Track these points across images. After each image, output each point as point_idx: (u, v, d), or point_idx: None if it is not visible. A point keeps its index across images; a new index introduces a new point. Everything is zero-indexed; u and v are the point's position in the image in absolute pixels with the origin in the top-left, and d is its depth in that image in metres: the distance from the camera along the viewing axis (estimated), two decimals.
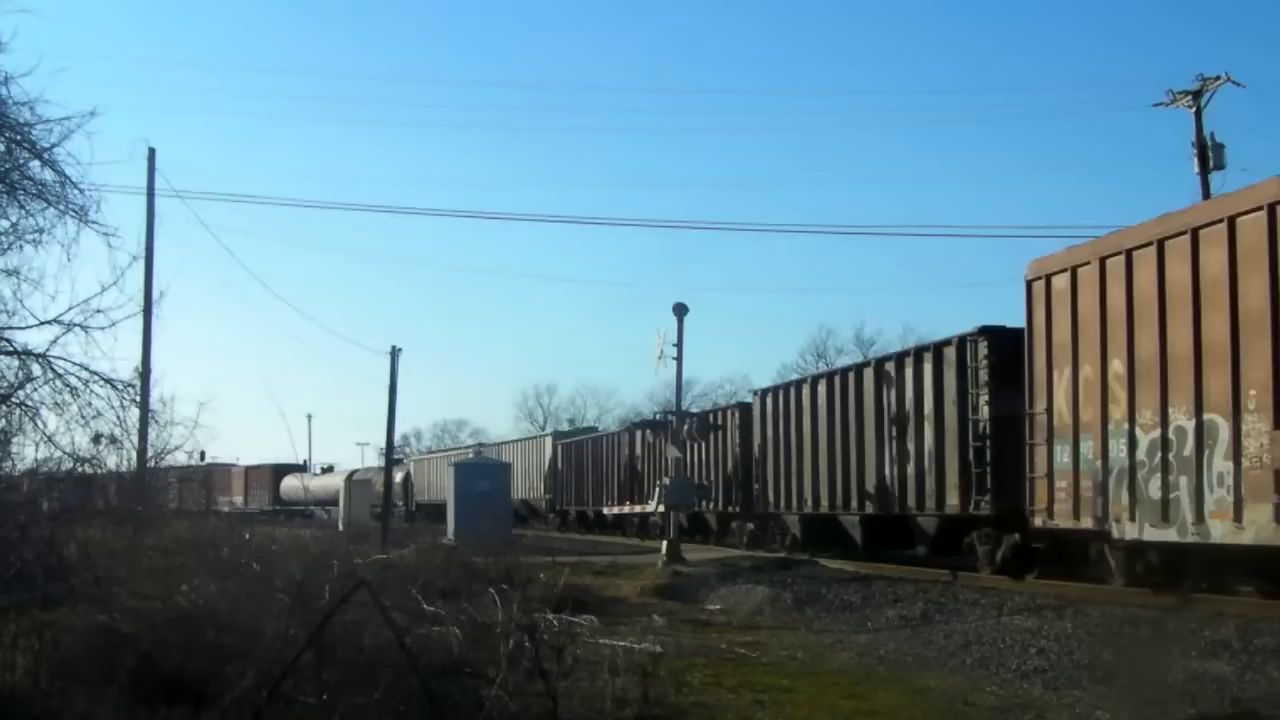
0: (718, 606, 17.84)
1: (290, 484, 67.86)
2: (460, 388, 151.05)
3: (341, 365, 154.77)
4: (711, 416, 33.83)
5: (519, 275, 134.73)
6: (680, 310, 27.28)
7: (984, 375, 19.75)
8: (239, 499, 72.29)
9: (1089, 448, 16.90)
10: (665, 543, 25.81)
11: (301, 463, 73.35)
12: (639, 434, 39.18)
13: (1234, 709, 9.36)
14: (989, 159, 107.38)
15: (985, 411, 19.67)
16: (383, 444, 46.20)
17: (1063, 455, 17.42)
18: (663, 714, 8.81)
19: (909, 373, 22.32)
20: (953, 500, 20.66)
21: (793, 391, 27.89)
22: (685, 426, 29.44)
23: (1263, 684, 10.09)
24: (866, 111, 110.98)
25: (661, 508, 28.04)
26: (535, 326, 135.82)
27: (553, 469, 49.84)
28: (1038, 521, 17.87)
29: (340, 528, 39.45)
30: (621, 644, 11.05)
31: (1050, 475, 17.62)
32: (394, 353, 34.93)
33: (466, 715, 7.72)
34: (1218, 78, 30.31)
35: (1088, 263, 17.04)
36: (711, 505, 32.95)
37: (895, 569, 21.35)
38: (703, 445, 32.78)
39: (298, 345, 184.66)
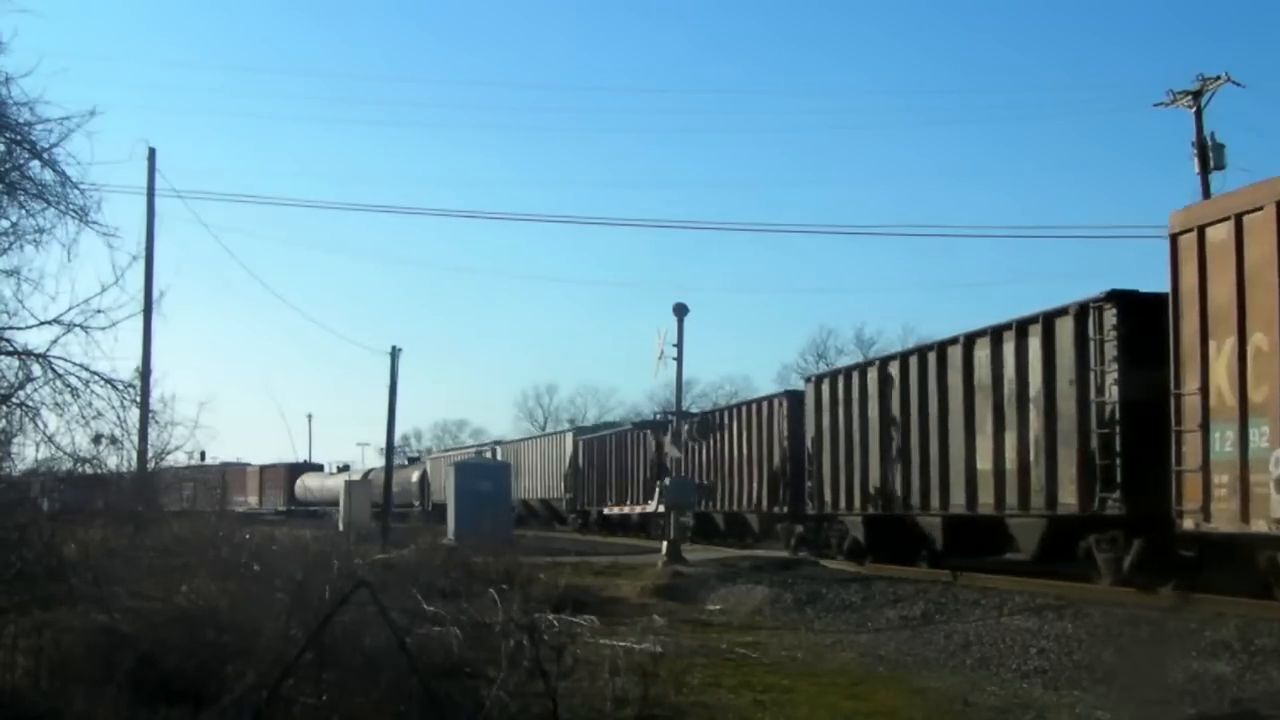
0: (718, 607, 17.84)
1: (305, 484, 67.16)
2: (460, 388, 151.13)
3: (342, 365, 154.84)
4: (752, 408, 31.55)
5: (519, 275, 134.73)
6: (680, 310, 27.24)
7: (1111, 350, 16.58)
8: (253, 499, 71.54)
9: (1261, 435, 13.88)
10: (665, 543, 25.80)
11: (317, 462, 72.97)
12: (668, 429, 37.26)
13: (1234, 709, 9.37)
14: (989, 159, 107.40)
15: (1113, 393, 16.51)
16: (383, 444, 46.08)
17: (1223, 444, 14.42)
18: (663, 714, 8.81)
19: (1008, 349, 18.94)
20: (1068, 498, 17.36)
21: (855, 376, 24.60)
22: (686, 427, 29.40)
23: (1263, 684, 10.09)
24: (866, 111, 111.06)
25: (662, 508, 28.02)
26: (535, 326, 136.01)
27: (574, 467, 47.20)
28: (1188, 524, 14.88)
29: (340, 528, 39.53)
30: (621, 644, 11.05)
31: (1205, 468, 14.62)
32: (394, 352, 34.96)
33: (466, 715, 7.73)
34: (1218, 78, 30.31)
35: (1258, 208, 14.09)
36: (752, 504, 30.50)
37: (897, 569, 21.32)
38: (744, 438, 30.95)
39: (298, 345, 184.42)
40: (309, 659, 7.43)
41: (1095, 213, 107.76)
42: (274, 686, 7.12)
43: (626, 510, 40.41)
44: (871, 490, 23.39)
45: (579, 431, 49.75)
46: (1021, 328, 18.65)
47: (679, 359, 27.28)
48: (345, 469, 70.60)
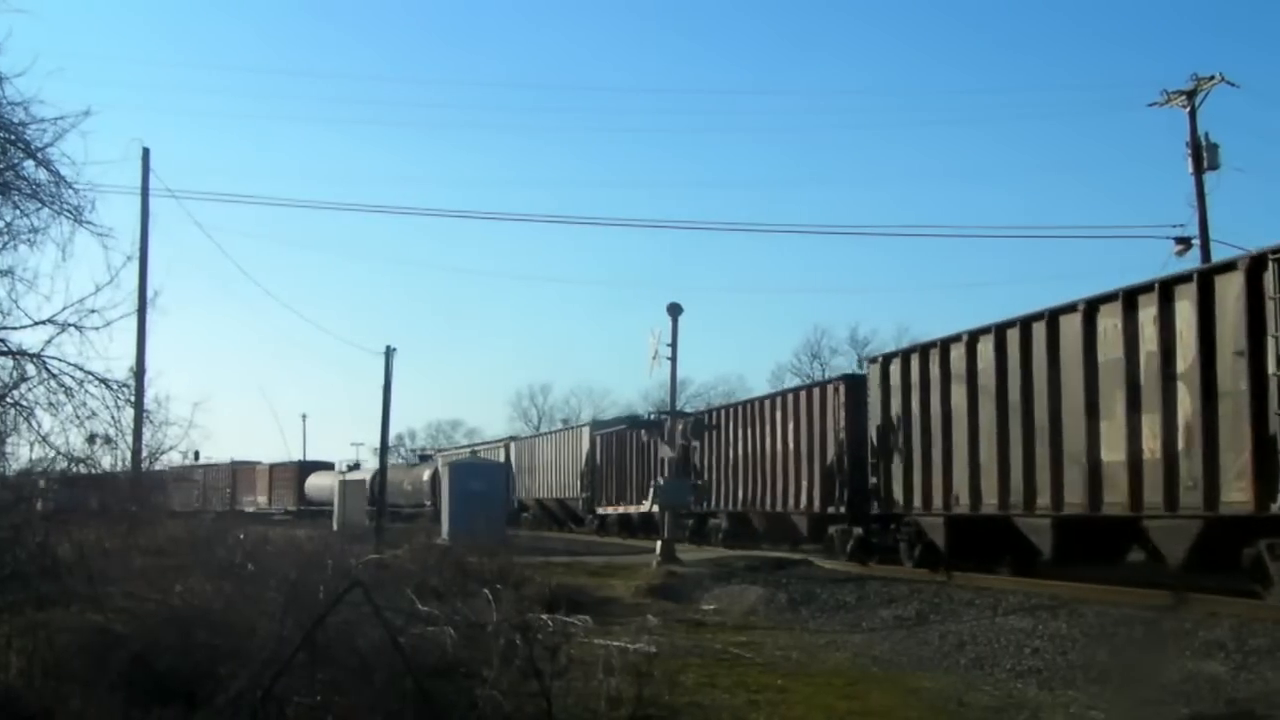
0: (712, 607, 17.83)
1: (315, 483, 64.52)
2: (455, 387, 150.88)
3: (336, 365, 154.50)
4: (800, 396, 27.72)
5: (514, 275, 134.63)
6: (675, 310, 27.24)
7: None
8: (263, 499, 69.86)
9: None
10: (659, 543, 25.80)
11: (327, 461, 71.95)
12: (690, 423, 33.22)
13: (1229, 709, 9.38)
14: (986, 159, 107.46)
15: None
16: (378, 443, 45.90)
17: None
18: (657, 714, 8.80)
19: (1146, 315, 15.82)
20: (1235, 495, 14.22)
21: (935, 355, 20.99)
22: (680, 427, 29.39)
23: (1257, 684, 10.11)
24: (862, 111, 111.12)
25: (655, 508, 28.02)
26: (530, 326, 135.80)
27: (590, 465, 43.49)
28: None
29: (335, 527, 39.53)
30: (616, 644, 11.04)
31: None
32: (389, 352, 34.96)
33: (460, 715, 7.72)
34: (1212, 78, 30.32)
35: None
36: (800, 504, 26.89)
37: (889, 569, 21.31)
38: (789, 431, 27.43)
39: (292, 344, 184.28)
40: (303, 659, 7.42)
41: (1091, 213, 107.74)
42: (268, 686, 7.11)
43: (646, 509, 36.53)
44: (956, 487, 20.02)
45: (596, 426, 46.00)
46: (1165, 289, 15.58)
47: (673, 359, 27.28)
48: (355, 467, 69.33)
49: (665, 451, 29.99)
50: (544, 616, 12.16)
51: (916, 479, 21.29)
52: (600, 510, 42.37)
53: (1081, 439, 16.82)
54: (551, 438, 51.48)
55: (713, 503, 31.93)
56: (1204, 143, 29.91)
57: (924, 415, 21.15)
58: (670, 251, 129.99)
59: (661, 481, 28.15)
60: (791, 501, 27.27)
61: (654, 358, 27.76)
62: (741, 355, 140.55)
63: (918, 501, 21.27)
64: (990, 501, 19.02)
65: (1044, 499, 17.69)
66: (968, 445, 19.65)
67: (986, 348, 19.26)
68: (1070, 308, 17.28)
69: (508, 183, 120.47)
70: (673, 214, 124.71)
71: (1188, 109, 30.33)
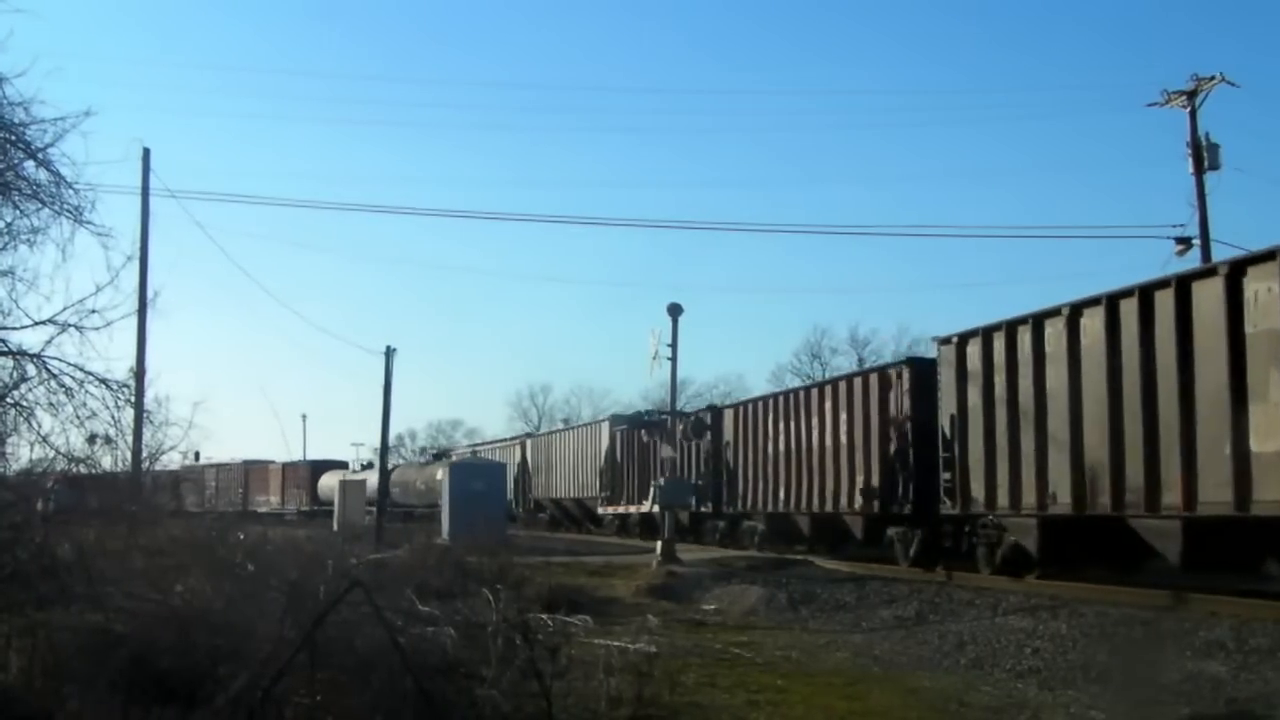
0: (712, 606, 17.83)
1: (329, 483, 61.40)
2: (455, 387, 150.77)
3: (336, 365, 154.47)
4: (854, 383, 24.76)
5: (513, 275, 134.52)
6: (675, 310, 27.26)
7: None
8: (275, 499, 67.86)
9: None
10: (660, 543, 25.79)
11: (341, 459, 71.07)
12: (725, 415, 31.59)
13: (1229, 709, 9.38)
14: (986, 159, 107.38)
15: None
16: (378, 443, 45.73)
17: None
18: (657, 714, 8.81)
19: None
20: None
21: (1026, 333, 18.18)
22: (680, 427, 29.40)
23: (1258, 684, 10.11)
24: (861, 111, 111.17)
25: (656, 508, 28.01)
26: (530, 326, 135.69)
27: (610, 462, 40.58)
28: None
29: (335, 528, 39.53)
30: (616, 644, 11.04)
31: None
32: (389, 352, 35.02)
33: (461, 715, 7.72)
34: (1212, 78, 30.31)
35: None
36: (853, 504, 24.04)
37: (890, 569, 21.28)
38: (841, 422, 24.60)
39: (292, 344, 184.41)
40: (302, 659, 7.42)
41: (1091, 213, 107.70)
42: (268, 687, 7.11)
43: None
44: (1053, 483, 17.42)
45: (615, 420, 42.92)
46: None
47: (673, 359, 27.29)
48: (369, 466, 68.17)
49: (666, 451, 29.99)
50: (544, 616, 12.18)
51: (1002, 475, 18.60)
52: (620, 509, 39.41)
53: (1223, 426, 14.29)
54: (569, 434, 48.70)
55: (748, 503, 29.27)
56: (1204, 143, 29.91)
57: (1011, 401, 18.41)
58: (670, 251, 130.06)
59: (662, 481, 28.14)
60: (844, 501, 24.43)
61: (654, 358, 27.80)
62: (742, 355, 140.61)
63: (1003, 500, 18.56)
64: (1100, 500, 16.45)
65: (1171, 497, 15.19)
66: (1069, 435, 17.08)
67: (1094, 322, 16.71)
68: (1207, 271, 15.59)
69: (505, 183, 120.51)
70: (673, 214, 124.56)
71: (1188, 109, 30.32)
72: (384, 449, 39.83)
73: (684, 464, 32.70)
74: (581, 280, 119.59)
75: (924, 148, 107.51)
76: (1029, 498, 17.89)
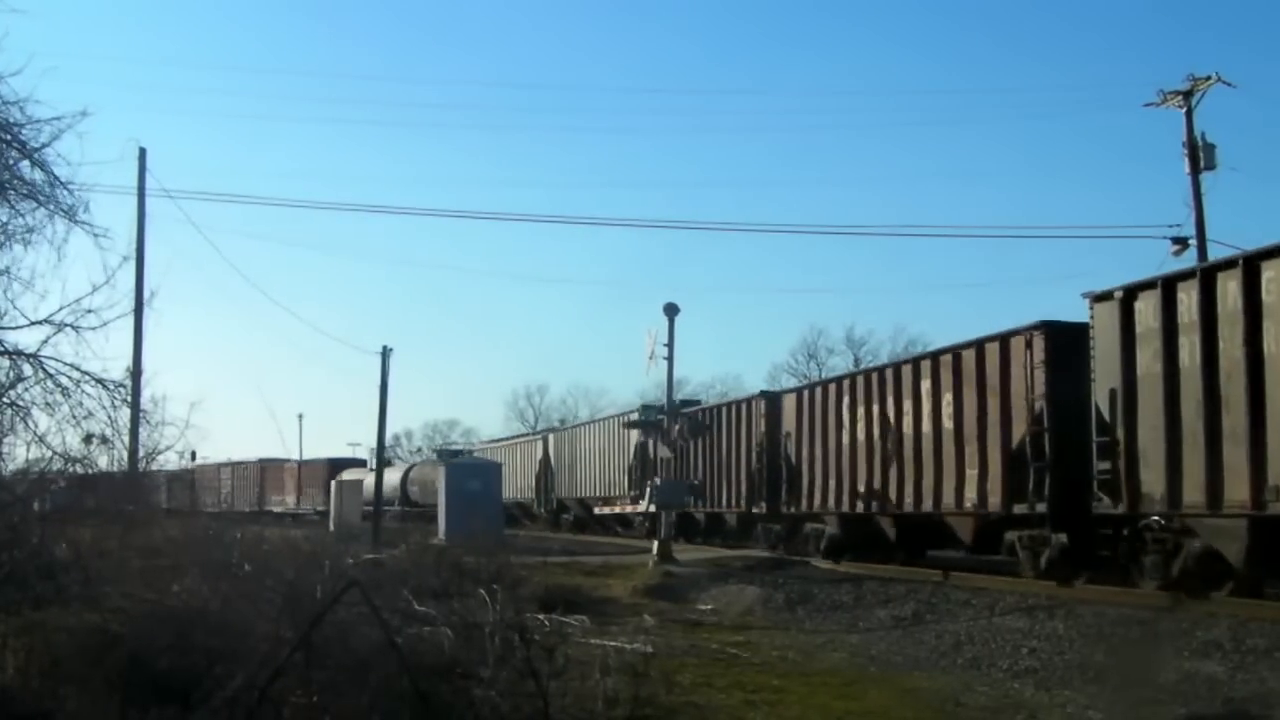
0: (709, 606, 17.83)
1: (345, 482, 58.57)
2: (451, 387, 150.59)
3: (332, 365, 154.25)
4: (964, 356, 20.15)
5: (510, 275, 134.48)
6: (671, 310, 27.27)
7: None
8: (291, 498, 64.47)
9: None
10: (656, 542, 25.80)
11: (359, 458, 69.83)
12: (783, 401, 28.02)
13: (1226, 709, 9.39)
14: (982, 159, 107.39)
15: None
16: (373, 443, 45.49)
17: None
18: (654, 714, 8.81)
19: None
20: None
21: (1229, 282, 14.46)
22: (677, 427, 29.39)
23: (1254, 684, 10.12)
24: (859, 111, 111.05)
25: (652, 508, 28.01)
26: (527, 326, 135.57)
27: (641, 458, 36.31)
28: None
29: (331, 528, 39.46)
30: (613, 644, 11.05)
31: None
32: (385, 352, 34.98)
33: (458, 715, 7.72)
34: (1208, 78, 30.32)
35: None
36: (967, 502, 19.67)
37: (887, 569, 21.24)
38: (947, 402, 20.43)
39: (289, 344, 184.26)
40: (299, 659, 7.42)
41: (1087, 213, 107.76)
42: (265, 686, 7.10)
43: (722, 509, 30.69)
44: (1275, 473, 13.62)
45: (647, 411, 36.21)
46: None
47: (670, 359, 27.30)
48: (389, 464, 66.29)
49: (664, 452, 29.96)
50: (540, 617, 12.17)
51: (1192, 464, 14.82)
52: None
53: None
54: (597, 425, 43.91)
55: (813, 502, 25.34)
56: (1200, 143, 29.93)
57: (1208, 369, 14.61)
58: (667, 251, 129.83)
59: (658, 481, 28.13)
60: (947, 499, 20.21)
61: (651, 357, 27.80)
62: (738, 355, 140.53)
63: (1193, 496, 14.77)
64: None
65: None
66: None
67: None
68: None
69: (503, 183, 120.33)
70: (669, 214, 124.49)
71: (1184, 109, 30.34)
72: (380, 448, 39.81)
73: (738, 458, 29.57)
74: (579, 280, 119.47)
75: (920, 148, 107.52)
76: (1237, 493, 14.07)
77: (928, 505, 20.82)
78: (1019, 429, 18.40)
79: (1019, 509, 18.20)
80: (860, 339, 77.69)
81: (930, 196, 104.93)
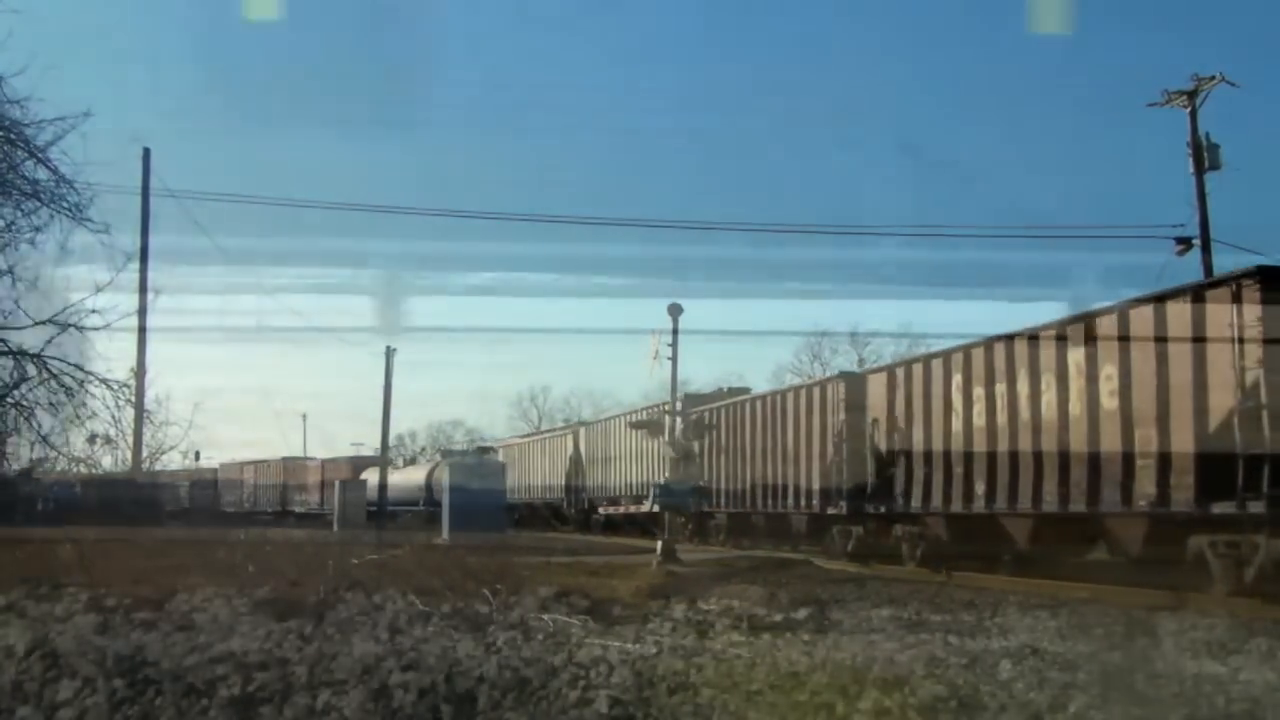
0: (711, 607, 17.79)
1: (374, 481, 53.85)
2: (455, 387, 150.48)
3: (336, 365, 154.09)
4: (1141, 312, 16.35)
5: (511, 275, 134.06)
6: (675, 310, 27.29)
7: None
8: (314, 498, 61.67)
9: None
10: (660, 542, 25.80)
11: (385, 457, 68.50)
12: (868, 383, 24.56)
13: (1228, 710, 9.36)
14: (983, 158, 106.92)
15: None
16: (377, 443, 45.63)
17: None
18: (655, 714, 8.79)
19: None
20: None
21: None
22: (681, 427, 29.36)
23: (1258, 685, 10.09)
24: (860, 111, 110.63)
25: (657, 508, 28.01)
26: (530, 326, 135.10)
27: (683, 452, 30.31)
28: None
29: (335, 528, 39.50)
30: (615, 644, 11.03)
31: None
32: (389, 352, 35.03)
33: (457, 715, 7.72)
34: (1212, 78, 30.32)
35: None
36: (1140, 499, 16.12)
37: (890, 570, 21.22)
38: (1113, 370, 16.56)
39: (293, 344, 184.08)
40: (301, 659, 7.42)
41: (1089, 213, 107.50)
42: (265, 686, 7.11)
43: (789, 511, 27.69)
44: None
45: (691, 400, 34.41)
46: None
47: (674, 358, 27.32)
48: (413, 462, 65.04)
49: (667, 451, 29.92)
50: (543, 616, 12.16)
51: None
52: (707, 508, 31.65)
53: None
54: (629, 418, 39.58)
55: (913, 501, 22.03)
56: (1204, 143, 29.93)
57: None
58: (669, 251, 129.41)
59: (663, 480, 28.11)
60: (1109, 494, 16.70)
61: (654, 358, 27.81)
62: (741, 355, 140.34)
63: None
64: None
65: None
66: None
67: None
68: None
69: (501, 182, 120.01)
70: (667, 214, 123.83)
71: (1188, 109, 30.33)
72: (384, 448, 39.99)
73: (808, 448, 26.25)
74: (580, 279, 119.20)
75: (919, 148, 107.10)
76: None
77: (1076, 504, 17.24)
78: (1221, 405, 14.64)
79: (1219, 509, 14.59)
80: (864, 339, 77.60)
81: (931, 197, 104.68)
